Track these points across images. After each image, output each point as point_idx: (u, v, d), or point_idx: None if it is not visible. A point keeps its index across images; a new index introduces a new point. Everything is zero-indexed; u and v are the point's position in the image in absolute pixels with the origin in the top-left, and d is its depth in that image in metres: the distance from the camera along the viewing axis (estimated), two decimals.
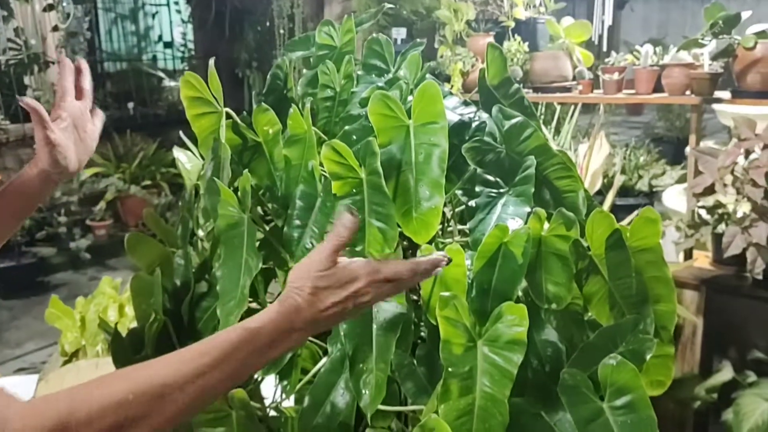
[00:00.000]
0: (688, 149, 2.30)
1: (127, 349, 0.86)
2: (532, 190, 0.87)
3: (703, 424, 2.31)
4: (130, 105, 5.78)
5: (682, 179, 2.76)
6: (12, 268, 4.29)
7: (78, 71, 0.94)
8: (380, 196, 0.79)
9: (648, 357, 0.82)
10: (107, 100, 5.70)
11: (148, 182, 5.12)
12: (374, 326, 0.80)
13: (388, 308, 0.80)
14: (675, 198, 2.75)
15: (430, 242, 0.85)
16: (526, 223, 0.83)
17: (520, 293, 0.86)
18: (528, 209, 0.85)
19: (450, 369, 0.76)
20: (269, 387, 1.00)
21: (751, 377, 2.08)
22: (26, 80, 5.28)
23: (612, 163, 2.45)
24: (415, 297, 0.93)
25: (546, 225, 0.85)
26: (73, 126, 0.92)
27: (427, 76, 0.89)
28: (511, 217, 0.85)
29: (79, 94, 0.94)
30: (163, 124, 5.54)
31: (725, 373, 2.09)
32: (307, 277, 0.66)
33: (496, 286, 0.81)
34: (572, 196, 0.92)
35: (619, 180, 2.35)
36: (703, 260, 2.36)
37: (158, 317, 0.84)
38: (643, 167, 2.46)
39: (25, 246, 4.53)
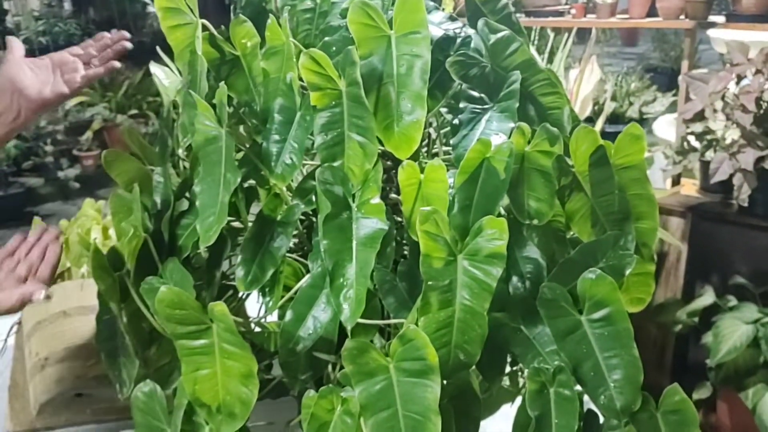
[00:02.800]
0: (680, 78, 2.28)
1: (107, 266, 0.86)
2: (517, 105, 0.85)
3: (684, 347, 2.38)
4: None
5: (672, 108, 2.74)
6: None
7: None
8: (360, 109, 0.77)
9: (627, 272, 0.83)
10: (90, 27, 5.54)
11: (134, 112, 5.04)
12: (354, 242, 0.80)
13: (368, 224, 0.80)
14: (665, 127, 2.74)
15: (412, 160, 0.84)
16: (509, 138, 0.82)
17: (501, 210, 0.85)
18: (512, 125, 0.84)
19: (430, 282, 0.76)
20: (254, 305, 1.01)
21: (732, 302, 2.13)
22: (6, 5, 5.13)
23: (603, 90, 2.42)
24: (399, 218, 0.93)
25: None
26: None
27: None
28: (494, 133, 0.84)
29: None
30: (149, 52, 5.40)
31: (707, 297, 2.13)
32: None
33: (478, 202, 0.80)
34: (557, 112, 0.90)
35: (609, 106, 2.33)
36: (690, 188, 2.38)
37: (137, 233, 0.83)
38: (634, 94, 2.43)
39: (11, 176, 4.49)
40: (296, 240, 1.01)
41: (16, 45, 0.99)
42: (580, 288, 0.79)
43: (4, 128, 0.95)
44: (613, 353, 0.78)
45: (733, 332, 1.98)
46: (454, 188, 0.81)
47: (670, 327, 2.24)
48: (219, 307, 0.74)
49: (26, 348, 1.22)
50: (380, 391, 0.72)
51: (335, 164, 0.80)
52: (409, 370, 0.72)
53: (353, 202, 0.81)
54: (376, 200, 0.80)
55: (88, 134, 4.89)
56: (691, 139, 2.08)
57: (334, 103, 0.79)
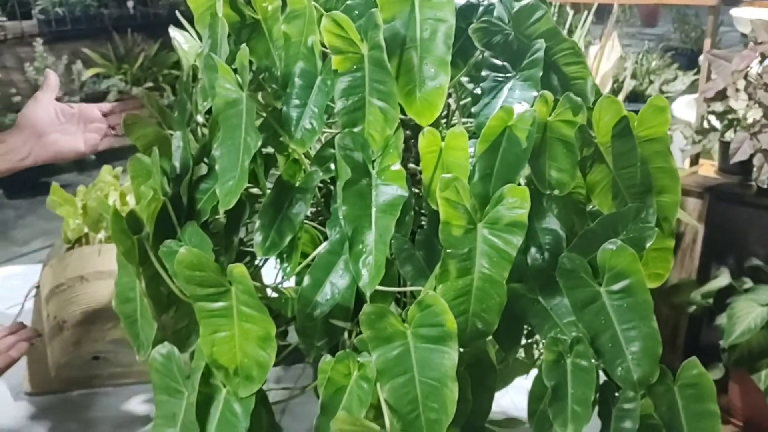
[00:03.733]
0: (702, 57, 2.24)
1: (126, 229, 0.86)
2: (540, 74, 0.84)
3: (697, 328, 2.36)
4: (130, 4, 5.60)
5: (692, 89, 2.69)
6: None
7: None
8: (382, 73, 0.76)
9: (648, 245, 0.82)
10: None
11: (150, 84, 5.03)
12: (373, 209, 0.80)
13: (388, 191, 0.80)
14: (684, 108, 2.70)
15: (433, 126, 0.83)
16: (532, 107, 0.81)
17: (522, 181, 0.85)
18: (535, 94, 0.83)
19: (449, 250, 0.75)
20: (269, 274, 1.01)
21: (748, 283, 2.11)
22: None
23: (623, 67, 2.39)
24: (416, 190, 0.92)
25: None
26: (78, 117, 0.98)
27: None
28: (517, 102, 0.83)
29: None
30: (165, 24, 5.37)
31: (722, 279, 2.11)
32: None
33: (499, 171, 0.79)
34: (581, 83, 0.89)
35: (629, 84, 2.30)
36: (708, 168, 2.35)
37: (156, 196, 0.83)
38: (655, 72, 2.40)
39: None
40: (314, 209, 1.01)
41: (52, 83, 0.97)
42: (600, 259, 0.78)
43: (7, 164, 0.95)
44: (631, 325, 0.78)
45: (747, 314, 1.97)
46: (474, 157, 0.81)
47: (684, 308, 2.22)
48: (238, 269, 0.74)
49: (44, 311, 1.24)
50: (397, 356, 0.73)
51: (355, 130, 0.79)
52: (427, 336, 0.72)
53: (373, 168, 0.81)
54: (397, 167, 0.79)
55: None
56: (712, 118, 2.05)
57: (355, 67, 0.78)
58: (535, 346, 1.00)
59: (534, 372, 0.96)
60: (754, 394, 2.05)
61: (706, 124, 2.07)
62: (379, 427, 0.70)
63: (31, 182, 4.31)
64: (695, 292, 2.18)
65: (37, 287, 1.30)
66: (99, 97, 4.91)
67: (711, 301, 2.15)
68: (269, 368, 0.75)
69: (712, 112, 2.01)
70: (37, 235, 3.72)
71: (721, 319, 2.06)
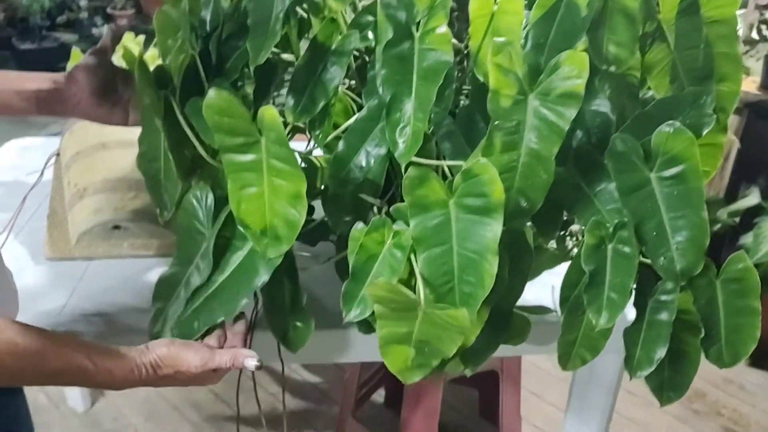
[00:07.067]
0: None
1: (152, 82, 0.82)
2: None
3: (718, 247, 2.33)
4: None
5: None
6: (33, 51, 4.22)
7: None
8: None
9: (705, 132, 0.77)
10: None
11: None
12: (415, 75, 0.74)
13: (431, 56, 0.74)
14: None
15: None
16: None
17: None
18: None
19: (496, 122, 0.71)
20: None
21: None
22: None
23: None
24: (458, 69, 0.86)
25: None
26: None
27: None
28: None
29: None
30: None
31: (752, 198, 2.06)
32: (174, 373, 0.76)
33: (554, 41, 0.73)
34: None
35: None
36: (749, 84, 2.25)
37: (184, 47, 0.78)
38: None
39: (46, 30, 4.42)
40: (347, 82, 0.96)
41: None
42: (655, 142, 0.73)
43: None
44: (680, 213, 0.74)
45: None
46: (528, 23, 0.75)
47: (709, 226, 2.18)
48: (269, 112, 0.69)
49: (65, 178, 1.21)
50: (437, 226, 0.69)
51: None
52: (471, 206, 0.68)
53: (417, 30, 0.75)
54: (443, 29, 0.73)
55: None
56: (763, 27, 1.94)
57: None
58: (569, 237, 0.97)
59: (565, 267, 0.93)
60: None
61: (755, 34, 1.96)
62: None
63: (49, 66, 4.23)
64: (721, 210, 2.13)
65: (57, 155, 1.27)
66: None
67: (737, 220, 2.10)
68: (299, 228, 0.72)
69: (764, 21, 1.90)
70: (56, 118, 3.68)
71: (746, 239, 2.03)
